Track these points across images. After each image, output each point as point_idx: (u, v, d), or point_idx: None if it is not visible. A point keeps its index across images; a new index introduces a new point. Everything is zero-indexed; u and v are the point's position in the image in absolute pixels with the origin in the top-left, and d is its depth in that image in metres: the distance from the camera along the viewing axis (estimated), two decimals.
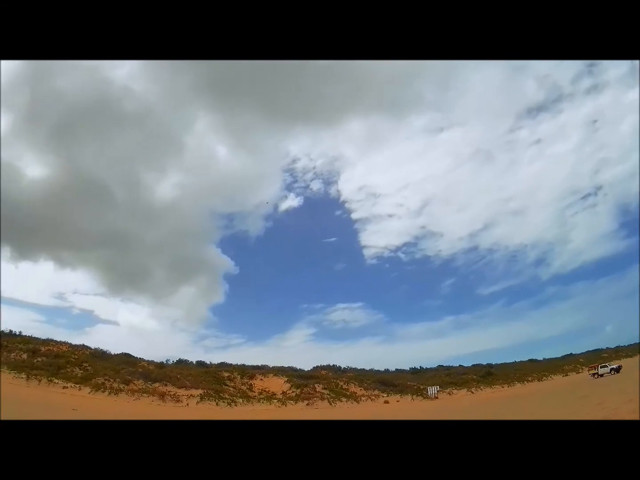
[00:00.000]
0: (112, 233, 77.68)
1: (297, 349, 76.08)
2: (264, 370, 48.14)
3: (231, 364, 51.32)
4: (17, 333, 46.74)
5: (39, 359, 39.59)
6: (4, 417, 14.24)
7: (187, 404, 35.11)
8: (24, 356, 39.93)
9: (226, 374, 45.31)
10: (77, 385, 35.17)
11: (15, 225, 71.14)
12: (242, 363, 51.60)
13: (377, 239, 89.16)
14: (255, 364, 51.88)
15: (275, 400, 39.35)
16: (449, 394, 42.33)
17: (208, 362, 52.38)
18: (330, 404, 39.08)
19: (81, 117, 73.43)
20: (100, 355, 45.48)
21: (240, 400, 38.10)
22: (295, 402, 39.11)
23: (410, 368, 56.89)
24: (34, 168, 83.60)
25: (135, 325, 78.49)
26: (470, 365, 56.44)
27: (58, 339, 48.43)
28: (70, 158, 75.75)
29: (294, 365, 53.02)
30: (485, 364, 55.82)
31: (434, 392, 42.03)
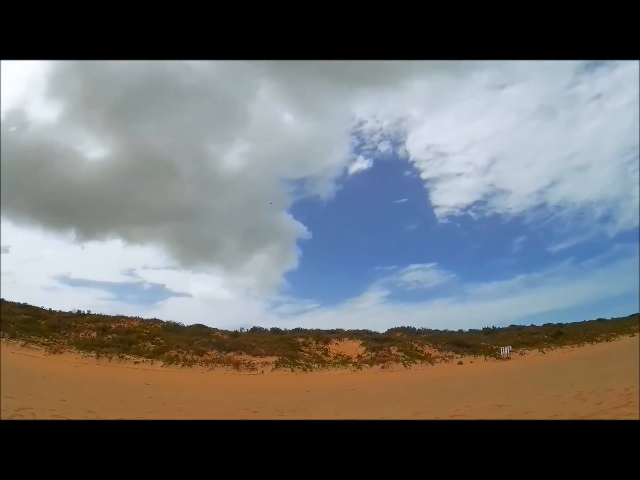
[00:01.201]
0: (180, 206, 79.82)
1: (371, 311, 74.99)
2: (339, 334, 47.27)
3: (306, 329, 50.46)
4: (86, 312, 46.66)
5: (109, 336, 39.76)
6: (78, 394, 15.10)
7: (262, 372, 34.85)
8: (93, 335, 40.12)
9: (301, 340, 44.91)
10: (149, 360, 34.85)
11: (79, 207, 73.39)
12: (317, 328, 50.49)
13: (447, 199, 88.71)
14: (329, 328, 50.74)
15: (351, 364, 38.79)
16: (521, 354, 41.33)
17: (283, 329, 51.59)
18: (405, 366, 38.38)
19: (138, 96, 74.72)
20: (172, 328, 45.07)
21: (316, 365, 37.90)
22: (371, 366, 38.33)
23: (483, 328, 54.99)
24: (94, 150, 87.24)
25: (208, 296, 79.13)
26: (541, 324, 54.94)
27: (129, 315, 48.59)
28: (131, 137, 77.69)
29: (368, 328, 51.82)
30: (555, 323, 54.37)
31: (506, 352, 41.16)
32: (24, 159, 70.87)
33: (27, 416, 9.08)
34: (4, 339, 35.22)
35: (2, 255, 73.61)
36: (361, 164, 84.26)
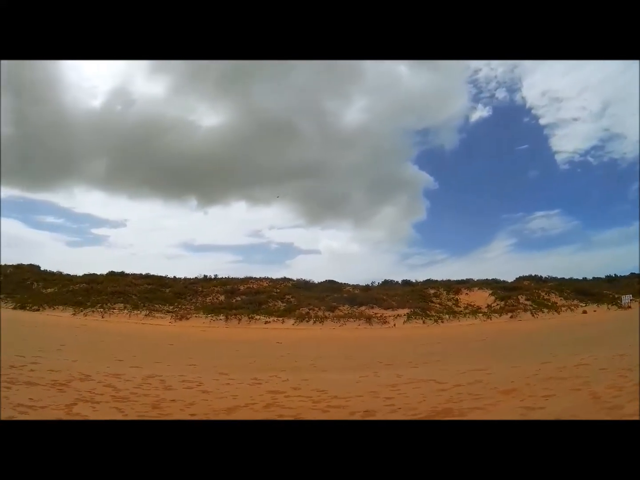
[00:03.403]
0: (304, 165, 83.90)
1: (499, 260, 77.45)
2: (468, 284, 47.16)
3: (436, 280, 50.25)
4: (212, 277, 48.04)
5: (238, 298, 40.25)
6: (208, 358, 15.55)
7: (394, 325, 34.76)
8: (221, 298, 40.85)
9: (432, 291, 44.49)
10: (280, 319, 35.20)
11: (198, 175, 75.91)
12: (447, 278, 50.37)
13: (566, 144, 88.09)
14: (459, 278, 50.54)
15: (480, 314, 38.65)
16: None
17: (413, 281, 51.46)
18: (533, 315, 38.04)
19: (249, 60, 75.72)
20: (303, 286, 45.67)
21: (447, 316, 37.86)
22: (500, 315, 38.18)
23: (605, 276, 54.20)
24: (208, 118, 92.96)
25: (337, 252, 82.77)
26: None
27: (257, 276, 49.07)
28: (245, 101, 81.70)
29: (497, 277, 51.33)
30: None
31: (626, 301, 40.65)
32: (134, 135, 75.18)
33: (156, 384, 9.55)
34: (125, 311, 35.87)
35: (120, 229, 77.88)
36: (481, 112, 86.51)
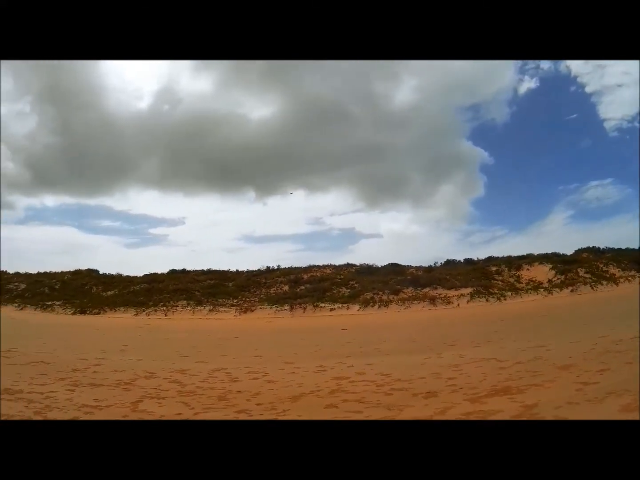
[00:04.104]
0: (359, 149, 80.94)
1: (558, 233, 73.20)
2: (528, 259, 45.78)
3: (497, 257, 49.20)
4: (275, 267, 47.70)
5: (302, 287, 40.17)
6: (274, 348, 15.79)
7: (458, 305, 34.45)
8: (285, 288, 40.78)
9: (494, 268, 43.63)
10: (345, 305, 34.95)
11: (253, 167, 77.54)
12: (508, 255, 49.18)
13: (613, 111, 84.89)
14: (519, 253, 49.24)
15: (542, 290, 37.84)
16: None
17: (475, 259, 50.62)
18: (592, 288, 37.33)
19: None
20: (366, 271, 44.97)
21: (509, 293, 37.10)
22: (560, 290, 37.41)
23: None
24: (258, 110, 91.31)
25: (398, 234, 79.59)
26: None
27: (320, 264, 48.64)
28: (293, 89, 79.30)
29: (556, 251, 49.73)
30: None
31: None
32: (185, 132, 75.28)
33: (222, 377, 9.73)
34: (189, 307, 36.58)
35: (178, 226, 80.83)
36: (528, 83, 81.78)
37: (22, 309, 37.39)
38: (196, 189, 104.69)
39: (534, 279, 40.62)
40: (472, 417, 5.57)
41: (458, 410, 5.95)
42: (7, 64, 63.08)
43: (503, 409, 5.72)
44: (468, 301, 34.81)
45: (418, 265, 47.24)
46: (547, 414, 5.24)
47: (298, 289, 39.19)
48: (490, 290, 37.17)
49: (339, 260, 57.54)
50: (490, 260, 47.74)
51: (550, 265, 42.62)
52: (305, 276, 42.89)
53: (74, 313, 35.86)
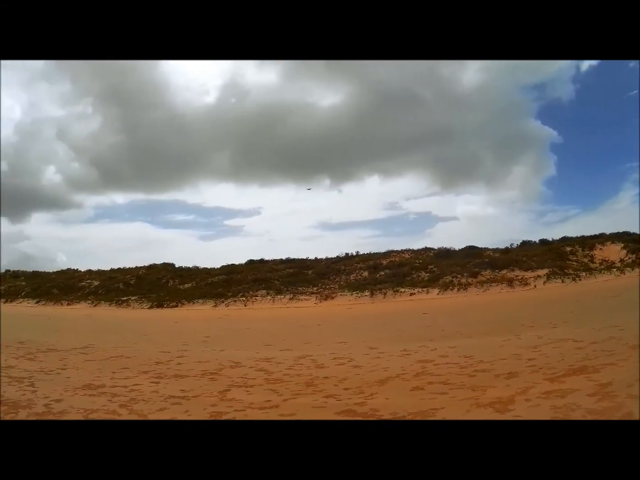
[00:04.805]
0: (430, 131, 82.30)
1: (627, 211, 72.52)
2: (601, 238, 45.61)
3: (571, 237, 49.43)
4: (354, 254, 47.96)
5: (382, 273, 40.35)
6: (360, 334, 15.75)
7: (535, 286, 34.18)
8: (365, 274, 40.95)
9: (568, 249, 43.62)
10: (425, 289, 35.03)
11: (326, 155, 79.85)
12: (581, 234, 49.43)
13: None
14: (591, 233, 49.22)
15: (614, 269, 37.25)
16: None
17: (550, 239, 50.62)
18: None
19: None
20: (444, 254, 45.01)
21: (584, 273, 36.45)
22: (632, 269, 36.50)
23: None
24: (327, 98, 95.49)
25: (474, 216, 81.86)
26: None
27: (399, 249, 48.94)
28: (359, 76, 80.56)
29: (627, 230, 48.59)
30: None
31: None
32: (255, 124, 77.65)
33: (308, 363, 9.87)
34: (269, 297, 37.71)
35: (254, 217, 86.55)
36: (589, 60, 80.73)
37: (95, 305, 37.65)
38: (271, 179, 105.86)
39: (607, 258, 40.68)
40: (551, 397, 5.68)
41: (538, 389, 6.11)
42: (64, 66, 65.75)
43: (580, 388, 5.87)
44: (544, 282, 34.67)
45: (495, 247, 47.65)
46: (621, 392, 5.39)
47: (378, 275, 39.21)
48: (566, 271, 37.05)
49: (416, 244, 58.01)
50: (565, 240, 47.89)
51: (622, 245, 42.23)
52: (384, 262, 43.26)
53: (150, 307, 35.97)
